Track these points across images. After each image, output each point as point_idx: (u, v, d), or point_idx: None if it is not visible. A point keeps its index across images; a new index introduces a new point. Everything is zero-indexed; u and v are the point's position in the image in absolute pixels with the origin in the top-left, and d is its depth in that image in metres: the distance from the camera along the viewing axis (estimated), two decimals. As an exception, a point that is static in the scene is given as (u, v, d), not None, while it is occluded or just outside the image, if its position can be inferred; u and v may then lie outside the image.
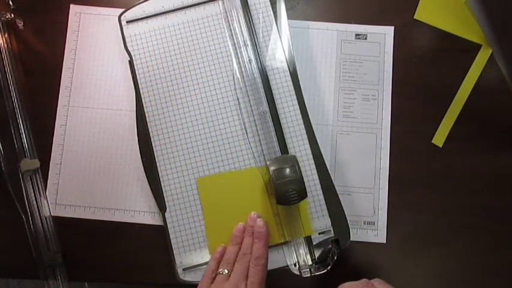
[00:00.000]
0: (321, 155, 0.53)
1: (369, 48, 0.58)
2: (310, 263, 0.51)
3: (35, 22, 0.59)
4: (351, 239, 0.51)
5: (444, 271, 0.54)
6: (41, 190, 0.55)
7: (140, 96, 0.54)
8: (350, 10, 0.59)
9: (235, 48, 0.54)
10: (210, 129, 0.53)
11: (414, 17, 0.59)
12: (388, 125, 0.57)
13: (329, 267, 0.50)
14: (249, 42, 0.54)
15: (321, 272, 0.50)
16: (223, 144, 0.53)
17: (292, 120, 0.53)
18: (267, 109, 0.53)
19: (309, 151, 0.53)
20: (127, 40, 0.55)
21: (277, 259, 0.51)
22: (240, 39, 0.54)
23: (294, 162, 0.48)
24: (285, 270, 0.51)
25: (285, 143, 0.52)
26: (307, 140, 0.53)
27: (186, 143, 0.53)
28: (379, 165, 0.56)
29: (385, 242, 0.54)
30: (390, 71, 0.58)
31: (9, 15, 0.57)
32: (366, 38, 0.58)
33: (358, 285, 0.41)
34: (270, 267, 0.50)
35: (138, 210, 0.55)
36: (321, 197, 0.52)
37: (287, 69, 0.54)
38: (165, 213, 0.52)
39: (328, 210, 0.51)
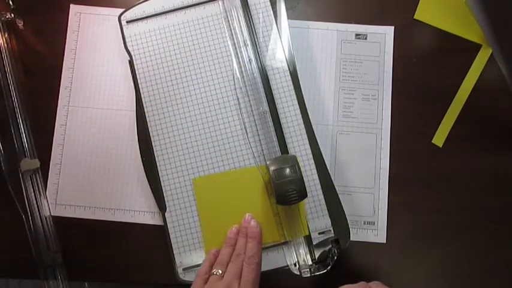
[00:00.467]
0: (321, 155, 0.53)
1: (369, 48, 0.58)
2: (310, 263, 0.51)
3: (35, 22, 0.59)
4: (351, 239, 0.51)
5: (444, 271, 0.54)
6: (41, 190, 0.55)
7: (140, 96, 0.54)
8: (350, 10, 0.59)
9: (235, 48, 0.54)
10: (210, 129, 0.53)
11: (414, 17, 0.59)
12: (388, 125, 0.57)
13: (329, 267, 0.50)
14: (249, 42, 0.54)
15: (321, 272, 0.50)
16: (223, 144, 0.53)
17: (292, 120, 0.53)
18: (267, 109, 0.53)
19: (309, 151, 0.53)
20: (127, 40, 0.55)
21: (277, 259, 0.51)
22: (240, 39, 0.54)
23: (294, 162, 0.48)
24: (285, 270, 0.51)
25: (285, 143, 0.52)
26: (307, 140, 0.53)
27: (186, 143, 0.53)
28: (379, 165, 0.56)
29: (385, 242, 0.54)
30: (390, 71, 0.58)
31: (9, 15, 0.57)
32: (366, 38, 0.58)
33: (356, 288, 0.41)
34: (270, 267, 0.50)
35: (138, 210, 0.55)
36: (321, 197, 0.52)
37: (287, 69, 0.54)
38: (165, 213, 0.52)
39: (328, 210, 0.52)
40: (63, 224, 0.55)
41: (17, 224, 0.54)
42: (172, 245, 0.51)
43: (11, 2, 0.58)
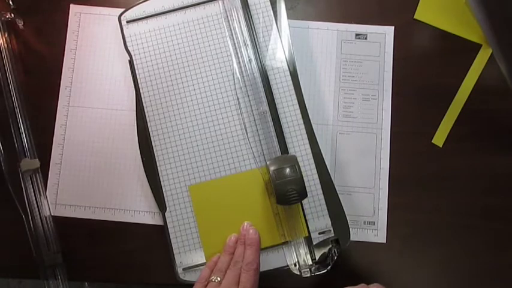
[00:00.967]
0: (321, 154, 0.53)
1: (369, 48, 0.58)
2: (310, 263, 0.51)
3: (35, 22, 0.59)
4: (351, 239, 0.51)
5: (444, 271, 0.54)
6: (41, 190, 0.55)
7: (140, 96, 0.54)
8: (350, 10, 0.59)
9: (235, 48, 0.54)
10: (210, 129, 0.53)
11: (414, 17, 0.59)
12: (388, 125, 0.57)
13: (329, 267, 0.50)
14: (249, 42, 0.54)
15: (321, 272, 0.50)
16: (223, 144, 0.53)
17: (292, 120, 0.53)
18: (267, 109, 0.53)
19: (309, 151, 0.53)
20: (127, 40, 0.55)
21: (277, 259, 0.51)
22: (240, 39, 0.54)
23: (294, 162, 0.48)
24: (285, 270, 0.51)
25: (285, 143, 0.52)
26: (307, 139, 0.53)
27: (186, 143, 0.53)
28: (379, 165, 0.56)
29: (385, 242, 0.54)
30: (390, 71, 0.58)
31: (9, 15, 0.57)
32: (366, 38, 0.58)
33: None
34: (270, 267, 0.50)
35: (138, 210, 0.55)
36: (321, 197, 0.52)
37: (287, 69, 0.54)
38: (165, 213, 0.52)
39: (328, 210, 0.52)
40: (63, 224, 0.55)
41: (17, 224, 0.54)
42: (172, 245, 0.51)
43: (11, 2, 0.58)
